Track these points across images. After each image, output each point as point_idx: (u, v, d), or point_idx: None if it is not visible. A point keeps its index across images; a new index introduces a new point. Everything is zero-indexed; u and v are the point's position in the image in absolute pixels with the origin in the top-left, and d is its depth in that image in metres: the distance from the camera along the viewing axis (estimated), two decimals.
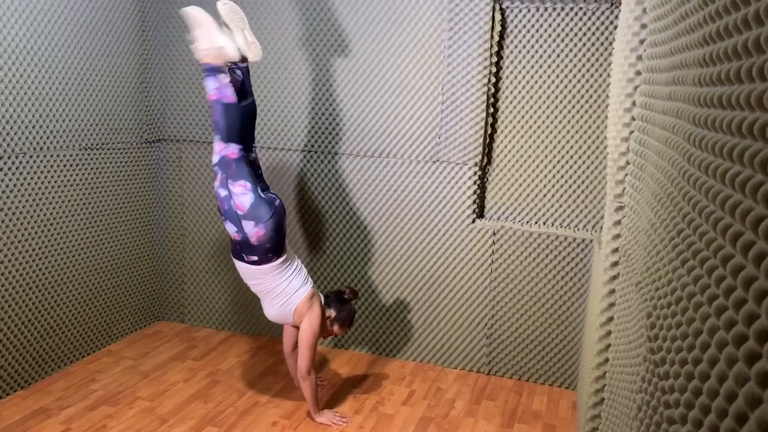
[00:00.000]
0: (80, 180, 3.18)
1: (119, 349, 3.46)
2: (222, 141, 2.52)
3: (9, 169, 2.78)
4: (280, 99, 3.45)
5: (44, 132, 2.95)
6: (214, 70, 2.48)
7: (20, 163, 2.84)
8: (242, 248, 2.55)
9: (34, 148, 2.91)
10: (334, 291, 2.87)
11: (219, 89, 2.47)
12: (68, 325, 3.17)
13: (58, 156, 3.04)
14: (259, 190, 2.55)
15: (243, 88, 2.60)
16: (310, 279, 2.77)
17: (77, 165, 3.16)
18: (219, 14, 2.52)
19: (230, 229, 2.54)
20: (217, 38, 2.48)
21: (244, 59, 2.59)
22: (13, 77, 2.77)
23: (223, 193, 2.52)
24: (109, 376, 3.13)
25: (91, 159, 3.24)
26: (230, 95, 2.49)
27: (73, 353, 3.23)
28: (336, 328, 2.81)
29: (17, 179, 2.83)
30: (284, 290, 2.65)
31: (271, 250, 2.55)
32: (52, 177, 3.01)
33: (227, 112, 2.48)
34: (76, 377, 3.10)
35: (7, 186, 2.78)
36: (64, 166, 3.08)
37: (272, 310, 2.71)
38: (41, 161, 2.95)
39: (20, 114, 2.82)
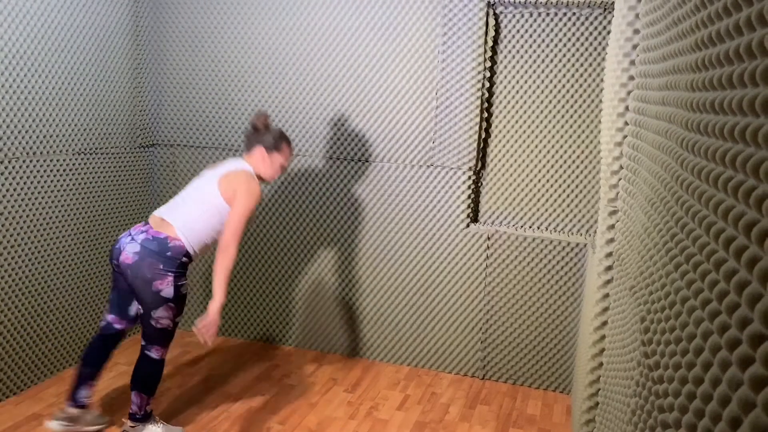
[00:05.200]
0: (73, 185, 3.17)
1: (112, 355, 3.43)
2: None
3: (1, 173, 2.77)
4: (273, 102, 3.45)
5: (37, 136, 2.94)
6: None
7: (13, 167, 2.82)
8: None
9: (27, 153, 2.90)
10: (245, 137, 2.62)
11: None
12: (61, 330, 3.15)
13: (51, 161, 3.02)
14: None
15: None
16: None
17: (70, 170, 3.15)
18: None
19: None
20: None
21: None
22: (6, 81, 2.76)
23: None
24: (102, 383, 3.10)
25: (85, 164, 3.23)
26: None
27: (66, 359, 3.21)
28: (276, 157, 2.56)
29: (9, 184, 2.81)
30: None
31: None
32: (45, 182, 3.00)
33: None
34: (69, 383, 3.07)
35: None
36: (57, 170, 3.07)
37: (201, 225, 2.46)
38: (34, 166, 2.93)
39: (13, 118, 2.81)
